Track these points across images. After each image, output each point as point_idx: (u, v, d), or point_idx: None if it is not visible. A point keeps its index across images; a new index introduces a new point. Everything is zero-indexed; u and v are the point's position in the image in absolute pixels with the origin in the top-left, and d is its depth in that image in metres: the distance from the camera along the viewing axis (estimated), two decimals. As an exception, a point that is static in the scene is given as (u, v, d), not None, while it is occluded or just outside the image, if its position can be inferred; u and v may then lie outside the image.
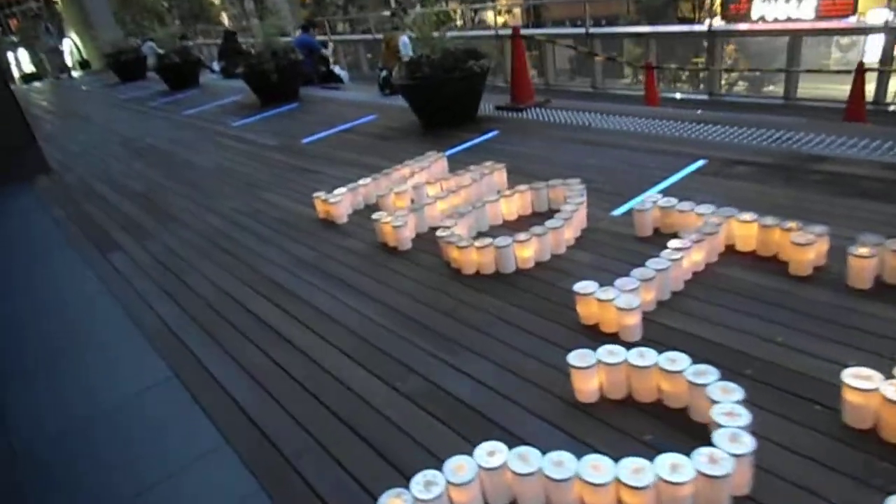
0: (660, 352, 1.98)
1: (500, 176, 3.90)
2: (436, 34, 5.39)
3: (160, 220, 4.50)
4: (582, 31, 8.59)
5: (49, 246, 4.42)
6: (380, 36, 14.20)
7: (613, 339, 2.31)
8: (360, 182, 4.10)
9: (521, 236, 2.90)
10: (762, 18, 22.03)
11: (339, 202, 3.88)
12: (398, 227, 3.33)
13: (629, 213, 3.30)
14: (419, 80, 5.29)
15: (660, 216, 2.99)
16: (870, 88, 8.15)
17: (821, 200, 3.08)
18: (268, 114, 7.72)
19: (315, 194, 4.02)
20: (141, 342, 2.91)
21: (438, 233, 3.14)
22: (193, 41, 15.19)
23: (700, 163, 3.76)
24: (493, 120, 5.60)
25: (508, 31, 9.36)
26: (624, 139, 4.57)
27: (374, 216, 3.51)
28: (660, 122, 4.76)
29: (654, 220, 3.02)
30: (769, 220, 2.63)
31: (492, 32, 11.19)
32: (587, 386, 2.00)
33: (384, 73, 7.45)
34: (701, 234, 2.62)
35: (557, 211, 3.45)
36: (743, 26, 10.82)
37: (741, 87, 10.80)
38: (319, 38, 10.63)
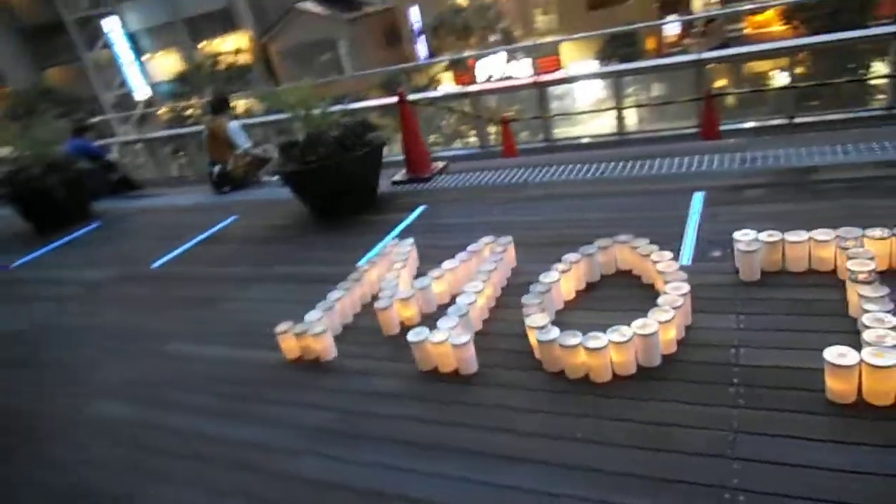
0: None
1: (510, 252, 3.19)
2: (317, 111, 4.50)
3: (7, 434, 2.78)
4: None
5: None
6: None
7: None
8: (331, 298, 3.02)
9: (663, 315, 2.24)
10: (489, 78, 24.82)
11: (325, 332, 2.76)
12: (462, 345, 2.41)
13: (701, 259, 2.87)
14: (315, 162, 4.32)
15: (765, 253, 2.60)
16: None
17: (873, 206, 2.98)
18: (59, 243, 5.77)
19: (278, 329, 2.83)
20: None
21: (540, 336, 2.31)
22: None
23: (700, 194, 3.53)
24: (404, 196, 4.84)
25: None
26: (583, 188, 4.17)
27: (412, 337, 2.51)
28: (598, 166, 4.49)
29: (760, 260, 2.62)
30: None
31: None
32: None
33: (217, 168, 6.14)
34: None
35: (612, 276, 2.90)
36: (563, 74, 11.82)
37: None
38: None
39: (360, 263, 3.66)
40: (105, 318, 3.81)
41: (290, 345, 2.83)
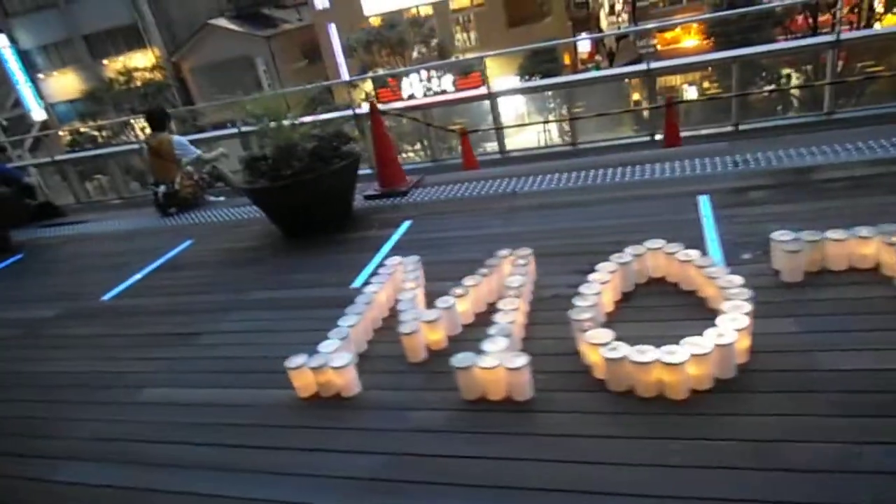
0: None
1: (531, 264, 2.98)
2: (286, 122, 4.15)
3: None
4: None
5: None
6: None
7: None
8: (344, 325, 2.69)
9: (737, 322, 2.10)
10: (412, 96, 24.82)
11: (349, 365, 2.44)
12: (518, 369, 2.17)
13: (733, 262, 2.78)
14: (291, 177, 3.96)
15: (809, 253, 2.53)
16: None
17: (882, 202, 3.00)
18: (-26, 278, 5.05)
19: (291, 363, 2.47)
20: None
21: (606, 353, 2.11)
22: None
23: (705, 197, 3.48)
24: (382, 211, 4.54)
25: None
26: (577, 196, 4.03)
27: (457, 362, 2.24)
28: (586, 174, 4.38)
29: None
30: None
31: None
32: None
33: (163, 188, 5.58)
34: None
35: (645, 284, 2.76)
36: (517, 86, 11.94)
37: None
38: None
39: (355, 285, 3.36)
40: (56, 363, 3.26)
41: (305, 381, 2.48)
